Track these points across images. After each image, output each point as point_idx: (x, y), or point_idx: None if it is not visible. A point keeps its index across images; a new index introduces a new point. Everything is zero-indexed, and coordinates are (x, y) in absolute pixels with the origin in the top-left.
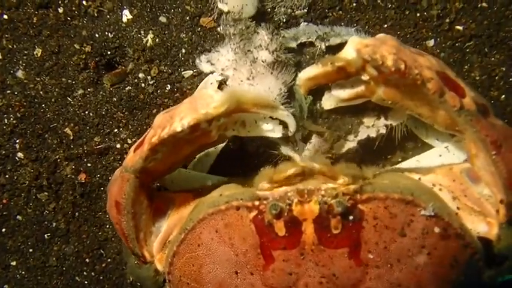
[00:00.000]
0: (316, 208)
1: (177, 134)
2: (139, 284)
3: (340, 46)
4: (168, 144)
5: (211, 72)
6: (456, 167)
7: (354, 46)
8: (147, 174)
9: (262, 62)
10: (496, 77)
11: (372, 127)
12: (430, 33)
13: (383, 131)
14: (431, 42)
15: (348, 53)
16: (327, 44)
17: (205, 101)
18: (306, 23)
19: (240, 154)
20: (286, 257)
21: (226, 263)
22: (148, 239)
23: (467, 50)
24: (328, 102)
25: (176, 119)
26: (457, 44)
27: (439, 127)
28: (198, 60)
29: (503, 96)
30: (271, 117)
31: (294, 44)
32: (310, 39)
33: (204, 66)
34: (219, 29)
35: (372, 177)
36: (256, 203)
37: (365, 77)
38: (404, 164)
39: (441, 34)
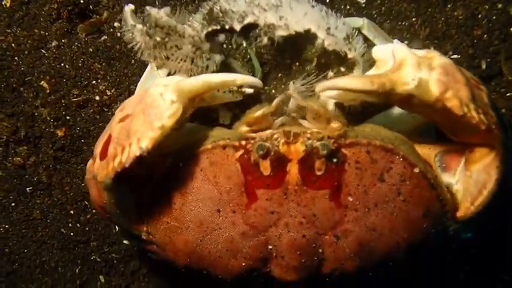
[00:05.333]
0: (301, 149)
1: (138, 158)
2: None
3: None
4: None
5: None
6: (434, 147)
7: (429, 79)
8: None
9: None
10: (479, 16)
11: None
12: None
13: None
14: None
15: (408, 79)
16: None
17: (157, 109)
18: None
19: None
20: (270, 196)
21: (209, 201)
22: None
23: None
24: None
25: (133, 140)
26: None
27: (449, 134)
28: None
29: (486, 35)
30: None
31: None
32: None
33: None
34: None
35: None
36: (243, 142)
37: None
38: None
39: None
